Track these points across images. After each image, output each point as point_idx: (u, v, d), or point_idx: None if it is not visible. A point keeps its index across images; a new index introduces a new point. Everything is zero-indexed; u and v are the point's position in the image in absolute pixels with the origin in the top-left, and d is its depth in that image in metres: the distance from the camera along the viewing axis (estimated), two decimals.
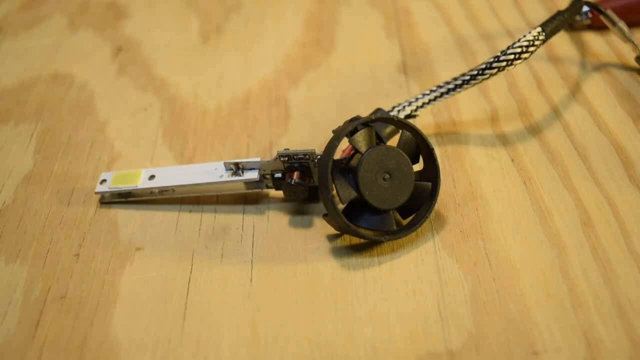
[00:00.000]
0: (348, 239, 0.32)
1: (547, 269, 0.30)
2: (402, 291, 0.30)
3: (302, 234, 0.33)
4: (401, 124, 0.32)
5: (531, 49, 0.34)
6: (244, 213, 0.34)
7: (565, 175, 0.34)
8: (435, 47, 0.44)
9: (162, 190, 0.35)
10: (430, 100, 0.36)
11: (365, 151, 0.31)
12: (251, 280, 0.31)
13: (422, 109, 0.36)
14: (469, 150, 0.36)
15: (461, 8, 0.48)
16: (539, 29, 0.34)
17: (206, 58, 0.46)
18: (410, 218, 0.32)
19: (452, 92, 0.36)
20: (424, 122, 0.38)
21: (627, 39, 0.39)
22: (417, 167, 0.32)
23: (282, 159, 0.32)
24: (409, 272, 0.30)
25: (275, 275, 0.31)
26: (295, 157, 0.32)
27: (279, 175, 0.33)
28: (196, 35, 0.48)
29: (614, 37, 0.43)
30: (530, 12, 0.46)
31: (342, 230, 0.31)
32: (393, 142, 0.36)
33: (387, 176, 0.31)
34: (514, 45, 0.34)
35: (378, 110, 0.36)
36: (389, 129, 0.35)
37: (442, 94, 0.36)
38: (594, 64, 0.41)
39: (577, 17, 0.43)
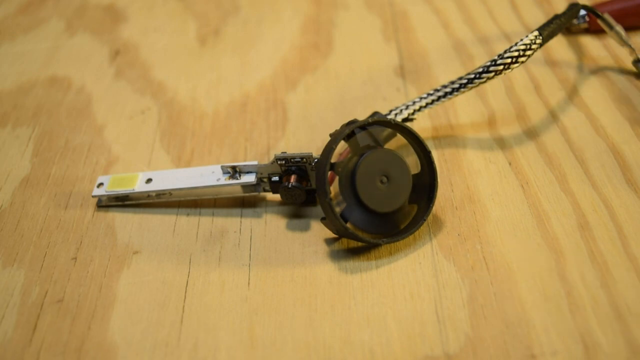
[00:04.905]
0: (346, 242, 0.32)
1: (545, 273, 0.30)
2: (399, 294, 0.30)
3: (299, 237, 0.33)
4: (399, 127, 0.32)
5: (528, 52, 0.34)
6: (241, 216, 0.34)
7: (562, 179, 0.34)
8: (433, 51, 0.44)
9: (160, 193, 0.35)
10: (427, 104, 0.36)
11: (363, 154, 0.31)
12: (249, 283, 0.31)
13: (420, 113, 0.36)
14: (466, 154, 0.36)
15: (458, 12, 0.48)
16: (536, 33, 0.35)
17: (204, 61, 0.46)
18: (408, 221, 0.32)
19: (449, 96, 0.36)
20: (421, 125, 0.38)
21: (624, 43, 0.39)
22: (415, 170, 0.32)
23: (279, 162, 0.32)
24: (406, 276, 0.30)
25: (272, 279, 0.31)
26: (292, 160, 0.32)
27: (276, 178, 0.33)
28: (194, 39, 0.48)
29: (611, 41, 0.43)
30: (527, 15, 0.46)
31: (340, 234, 0.31)
32: (390, 145, 0.36)
33: (384, 179, 0.31)
34: (511, 49, 0.34)
35: (375, 113, 0.36)
36: (387, 132, 0.35)
37: (439, 98, 0.36)
38: (591, 68, 0.41)
39: (574, 21, 0.43)
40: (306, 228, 0.33)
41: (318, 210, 0.34)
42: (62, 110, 0.42)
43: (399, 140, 0.35)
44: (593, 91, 0.39)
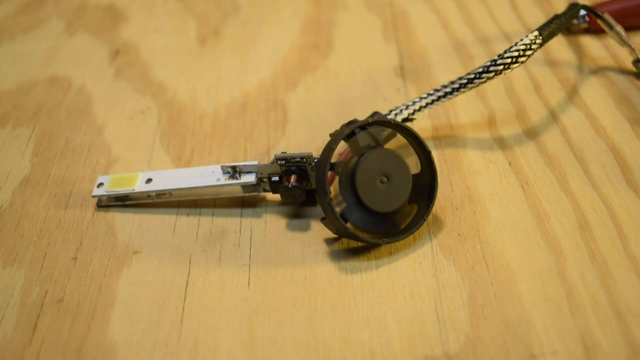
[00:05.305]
0: (346, 242, 0.32)
1: (545, 273, 0.30)
2: (399, 294, 0.30)
3: (299, 237, 0.33)
4: (398, 127, 0.32)
5: (528, 52, 0.34)
6: (241, 216, 0.34)
7: (562, 179, 0.34)
8: (433, 51, 0.44)
9: (160, 193, 0.35)
10: (427, 104, 0.36)
11: (363, 154, 0.31)
12: (249, 283, 0.31)
13: (420, 113, 0.36)
14: (466, 154, 0.36)
15: (458, 12, 0.48)
16: (536, 33, 0.35)
17: (204, 61, 0.46)
18: (408, 221, 0.32)
19: (449, 96, 0.36)
20: (421, 125, 0.38)
21: (624, 43, 0.39)
22: (415, 170, 0.32)
23: (279, 162, 0.32)
24: (406, 276, 0.30)
25: (272, 279, 0.31)
26: (292, 160, 0.32)
27: (276, 178, 0.33)
28: (194, 39, 0.48)
29: (611, 41, 0.43)
30: (527, 15, 0.46)
31: (340, 234, 0.31)
32: (391, 145, 0.36)
33: (384, 179, 0.31)
34: (511, 49, 0.34)
35: (375, 113, 0.36)
36: (387, 132, 0.35)
37: (439, 98, 0.36)
38: (591, 68, 0.41)
39: (574, 21, 0.43)
40: (306, 228, 0.33)
41: (318, 210, 0.34)
42: (62, 110, 0.42)
43: (399, 140, 0.35)
44: (593, 91, 0.39)
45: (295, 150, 0.38)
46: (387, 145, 0.36)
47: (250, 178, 0.33)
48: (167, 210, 0.35)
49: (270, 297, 0.30)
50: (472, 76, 0.35)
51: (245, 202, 0.35)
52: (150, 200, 0.35)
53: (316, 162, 0.32)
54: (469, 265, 0.31)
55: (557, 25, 0.36)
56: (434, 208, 0.33)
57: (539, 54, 0.42)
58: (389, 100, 0.40)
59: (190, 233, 0.34)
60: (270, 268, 0.31)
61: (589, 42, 0.43)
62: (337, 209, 0.31)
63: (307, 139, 0.39)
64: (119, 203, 0.35)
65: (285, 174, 0.33)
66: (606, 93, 0.39)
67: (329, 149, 0.31)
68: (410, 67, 0.43)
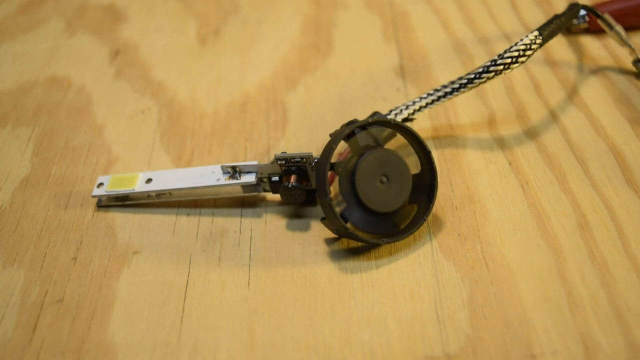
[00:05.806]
0: (346, 242, 0.32)
1: (545, 273, 0.30)
2: (399, 294, 0.30)
3: (299, 237, 0.33)
4: (398, 127, 0.32)
5: (528, 52, 0.34)
6: (241, 216, 0.34)
7: (562, 179, 0.34)
8: (433, 51, 0.44)
9: (160, 193, 0.35)
10: (427, 104, 0.36)
11: (363, 154, 0.31)
12: (249, 283, 0.31)
13: (420, 113, 0.36)
14: (466, 154, 0.36)
15: (458, 12, 0.48)
16: (536, 33, 0.35)
17: (204, 61, 0.46)
18: (408, 221, 0.32)
19: (449, 96, 0.36)
20: (421, 125, 0.38)
21: (624, 43, 0.39)
22: (415, 170, 0.32)
23: (279, 162, 0.32)
24: (406, 276, 0.30)
25: (272, 279, 0.31)
26: (292, 160, 0.32)
27: (276, 178, 0.33)
28: (194, 39, 0.48)
29: (611, 41, 0.43)
30: (527, 15, 0.46)
31: (340, 234, 0.31)
32: (390, 145, 0.36)
33: (384, 179, 0.31)
34: (511, 49, 0.34)
35: (375, 113, 0.36)
36: (387, 132, 0.35)
37: (439, 98, 0.36)
38: (591, 68, 0.41)
39: (574, 21, 0.43)
40: (306, 228, 0.33)
41: (318, 210, 0.34)
42: (62, 110, 0.42)
43: (399, 140, 0.35)
44: (593, 91, 0.39)
45: (295, 150, 0.38)
46: (387, 145, 0.36)
47: (250, 178, 0.33)
48: (167, 210, 0.35)
49: (270, 297, 0.30)
50: (472, 76, 0.35)
51: (245, 202, 0.35)
52: (150, 200, 0.35)
53: (316, 162, 0.32)
54: (469, 265, 0.31)
55: (557, 25, 0.36)
56: (434, 208, 0.33)
57: (539, 54, 0.42)
58: (389, 100, 0.40)
59: (190, 233, 0.34)
60: (270, 268, 0.31)
61: (589, 42, 0.43)
62: (337, 209, 0.31)
63: (307, 139, 0.39)
64: (119, 203, 0.35)
65: (285, 174, 0.33)
66: (606, 93, 0.39)
67: (329, 149, 0.31)
68: (410, 67, 0.43)
